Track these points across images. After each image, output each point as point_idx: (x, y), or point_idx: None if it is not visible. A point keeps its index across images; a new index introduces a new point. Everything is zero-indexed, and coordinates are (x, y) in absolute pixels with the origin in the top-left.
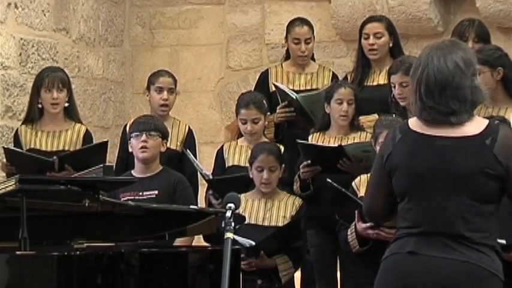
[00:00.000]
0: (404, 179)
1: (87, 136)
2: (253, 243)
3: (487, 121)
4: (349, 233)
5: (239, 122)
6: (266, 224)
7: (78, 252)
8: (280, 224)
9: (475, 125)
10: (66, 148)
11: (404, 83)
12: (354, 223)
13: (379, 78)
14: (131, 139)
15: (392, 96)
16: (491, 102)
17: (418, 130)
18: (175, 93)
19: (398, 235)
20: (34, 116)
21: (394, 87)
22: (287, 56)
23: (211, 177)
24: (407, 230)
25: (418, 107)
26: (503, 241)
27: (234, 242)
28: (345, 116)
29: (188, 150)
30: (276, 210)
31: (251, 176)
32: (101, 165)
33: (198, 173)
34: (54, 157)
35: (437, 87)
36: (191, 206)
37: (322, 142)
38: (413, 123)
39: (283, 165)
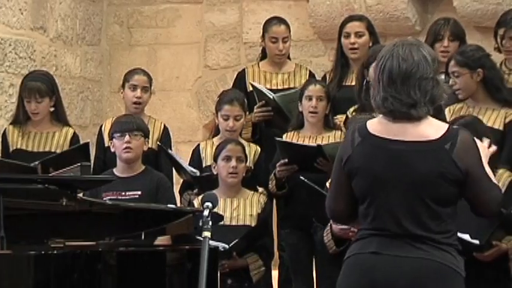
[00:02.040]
0: (363, 183)
1: (75, 139)
2: (227, 246)
3: (446, 125)
4: (324, 234)
5: (220, 119)
6: (234, 223)
7: (55, 251)
8: (247, 222)
9: (435, 129)
10: (53, 150)
11: None
12: (329, 224)
13: None
14: (113, 139)
15: (363, 90)
16: (473, 102)
17: (377, 134)
18: (149, 91)
19: (361, 235)
20: (21, 118)
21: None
22: (263, 56)
23: (198, 174)
24: (370, 231)
25: (380, 97)
26: (476, 241)
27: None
28: (313, 112)
29: (170, 150)
30: (243, 209)
31: (215, 172)
32: (78, 164)
33: (174, 172)
34: (36, 162)
35: (400, 76)
36: (169, 205)
37: (297, 141)
38: (373, 125)
39: (249, 165)
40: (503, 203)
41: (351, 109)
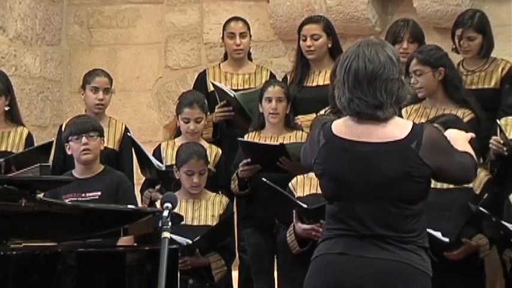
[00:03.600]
0: (330, 185)
1: (29, 139)
2: (190, 242)
3: (411, 124)
4: (287, 234)
5: (181, 121)
6: (195, 223)
7: (14, 252)
8: (209, 223)
9: (400, 128)
10: (9, 150)
11: None
12: (292, 224)
13: (318, 79)
14: (70, 142)
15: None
16: (431, 103)
17: (342, 135)
18: (111, 92)
19: (328, 235)
20: None
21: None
22: (225, 58)
23: (163, 168)
24: (337, 231)
25: (345, 98)
26: (446, 239)
27: (172, 240)
28: (274, 113)
29: (137, 141)
30: (204, 210)
31: (177, 177)
32: (38, 165)
33: (135, 172)
34: (1, 160)
35: (367, 77)
36: (129, 206)
37: (259, 141)
38: (337, 127)
39: (210, 167)
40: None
41: (322, 111)
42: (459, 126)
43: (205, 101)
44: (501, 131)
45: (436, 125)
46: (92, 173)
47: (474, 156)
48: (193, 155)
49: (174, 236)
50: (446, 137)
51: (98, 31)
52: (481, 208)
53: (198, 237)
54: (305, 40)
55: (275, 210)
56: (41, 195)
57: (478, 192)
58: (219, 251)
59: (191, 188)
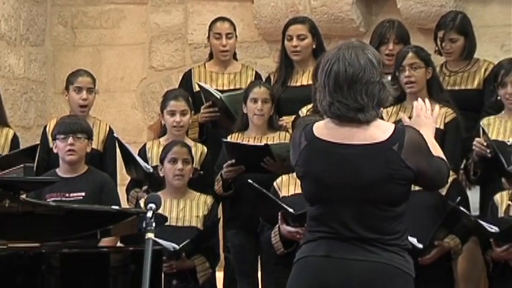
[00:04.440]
0: (312, 187)
1: (15, 140)
2: (177, 246)
3: (393, 126)
4: (272, 235)
5: (166, 115)
6: (180, 224)
7: None
8: (194, 223)
9: (382, 130)
10: None
11: None
12: (277, 225)
13: (302, 79)
14: (56, 140)
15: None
16: (411, 103)
17: (324, 138)
18: (94, 92)
19: (310, 237)
20: None
21: None
22: (211, 57)
23: (151, 170)
24: (319, 233)
25: (326, 102)
26: (420, 245)
27: (157, 245)
28: (259, 114)
29: (124, 142)
30: (189, 210)
31: (162, 174)
32: (22, 165)
33: (119, 172)
34: None
35: (347, 81)
36: (113, 206)
37: (243, 142)
38: (319, 129)
39: (196, 166)
40: (446, 202)
41: (304, 109)
42: None
43: (190, 98)
44: (484, 132)
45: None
46: (76, 173)
47: (447, 161)
48: (177, 143)
49: (160, 241)
50: (425, 140)
51: (82, 32)
52: (458, 206)
53: (185, 243)
54: (290, 40)
55: (260, 209)
56: (24, 196)
57: (444, 193)
58: (204, 253)
59: (174, 177)
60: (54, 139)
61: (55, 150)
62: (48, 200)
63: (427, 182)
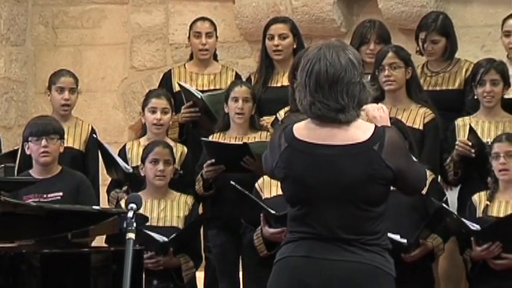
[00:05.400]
0: (293, 189)
1: None
2: (166, 239)
3: (373, 126)
4: (255, 237)
5: (147, 113)
6: (161, 224)
7: None
8: (175, 223)
9: (363, 130)
10: None
11: None
12: (260, 227)
13: (283, 79)
14: (29, 142)
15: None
16: (391, 102)
17: (304, 138)
18: (77, 92)
19: (290, 238)
20: None
21: None
22: (191, 58)
23: (131, 170)
24: (300, 234)
25: (307, 102)
26: (404, 240)
27: (148, 237)
28: (240, 114)
29: (106, 144)
30: (170, 210)
31: (142, 173)
32: (2, 166)
33: (101, 173)
34: None
35: (328, 81)
36: (93, 207)
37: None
38: (299, 130)
39: (176, 166)
40: (425, 202)
41: (281, 111)
42: (402, 129)
43: (171, 99)
44: (471, 131)
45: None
46: (50, 173)
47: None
48: (159, 143)
49: (151, 233)
50: (404, 143)
51: (63, 31)
52: (443, 205)
53: (173, 236)
54: (272, 39)
55: (242, 211)
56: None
57: (424, 192)
58: (188, 252)
59: (155, 178)
60: (26, 141)
61: (28, 152)
62: (25, 200)
63: (406, 184)
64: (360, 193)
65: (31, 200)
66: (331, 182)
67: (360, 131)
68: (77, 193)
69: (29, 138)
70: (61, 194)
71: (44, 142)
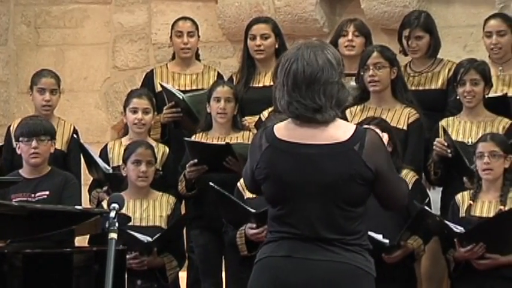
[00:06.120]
0: (274, 188)
1: None
2: (150, 239)
3: (354, 126)
4: (238, 236)
5: (129, 113)
6: (144, 224)
7: None
8: (157, 223)
9: (343, 130)
10: None
11: None
12: (243, 228)
13: (264, 80)
14: (20, 142)
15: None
16: (376, 102)
17: (285, 138)
18: (58, 92)
19: (271, 238)
20: None
21: None
22: (174, 58)
23: (110, 171)
24: (280, 234)
25: (285, 101)
26: (386, 241)
27: (132, 238)
28: (222, 113)
29: (86, 145)
30: (152, 210)
31: (124, 173)
32: None
33: (83, 172)
34: None
35: (305, 81)
36: (76, 206)
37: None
38: (280, 130)
39: (157, 166)
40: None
41: (265, 112)
42: (387, 129)
43: (153, 99)
44: (445, 132)
45: (372, 126)
46: (40, 173)
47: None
48: (141, 144)
49: (135, 234)
50: (385, 146)
51: (45, 31)
52: (425, 207)
53: (157, 236)
54: (254, 39)
55: (223, 213)
56: None
57: None
58: (172, 252)
59: (138, 179)
60: (17, 140)
61: (18, 152)
62: (13, 200)
63: (387, 192)
64: (341, 193)
65: (19, 199)
66: (311, 182)
67: (340, 131)
68: (62, 190)
69: (20, 139)
70: (47, 193)
71: (34, 143)
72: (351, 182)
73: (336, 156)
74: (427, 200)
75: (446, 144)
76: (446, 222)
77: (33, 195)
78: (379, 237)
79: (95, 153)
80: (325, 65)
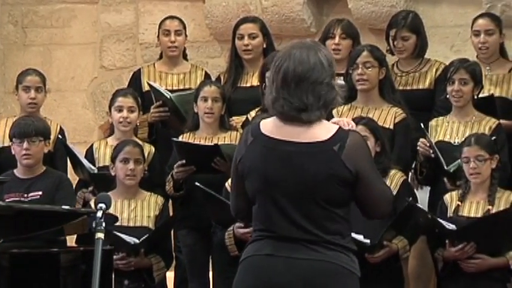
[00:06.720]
0: (255, 184)
1: None
2: (138, 241)
3: (336, 127)
4: (226, 236)
5: (114, 112)
6: (131, 224)
7: None
8: (145, 223)
9: (325, 130)
10: None
11: None
12: (232, 227)
13: (252, 79)
14: (13, 144)
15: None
16: (363, 102)
17: (269, 134)
18: (44, 91)
19: (256, 237)
20: None
21: None
22: (161, 57)
23: (95, 171)
24: (264, 232)
25: (271, 97)
26: (367, 241)
27: (119, 239)
28: (209, 113)
29: (71, 145)
30: (140, 210)
31: (113, 173)
32: None
33: (69, 172)
34: None
35: (295, 79)
36: (63, 206)
37: (194, 142)
38: (266, 126)
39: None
40: (396, 203)
41: (252, 112)
42: (375, 129)
43: (139, 98)
44: (424, 134)
45: (360, 126)
46: (34, 174)
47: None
48: (130, 142)
49: (122, 235)
50: (369, 149)
51: (32, 31)
52: (418, 204)
53: (144, 237)
54: (241, 39)
55: (210, 213)
56: None
57: (394, 193)
58: (159, 252)
59: (126, 177)
60: (11, 140)
61: (13, 152)
62: (7, 200)
63: (369, 197)
64: (320, 191)
65: (11, 199)
66: (292, 179)
67: (322, 131)
68: (56, 191)
69: (13, 140)
70: (40, 193)
71: (25, 145)
72: (329, 182)
73: (314, 155)
74: (416, 195)
75: (428, 144)
76: (439, 219)
77: (26, 195)
78: (360, 237)
79: (80, 153)
80: (316, 65)
